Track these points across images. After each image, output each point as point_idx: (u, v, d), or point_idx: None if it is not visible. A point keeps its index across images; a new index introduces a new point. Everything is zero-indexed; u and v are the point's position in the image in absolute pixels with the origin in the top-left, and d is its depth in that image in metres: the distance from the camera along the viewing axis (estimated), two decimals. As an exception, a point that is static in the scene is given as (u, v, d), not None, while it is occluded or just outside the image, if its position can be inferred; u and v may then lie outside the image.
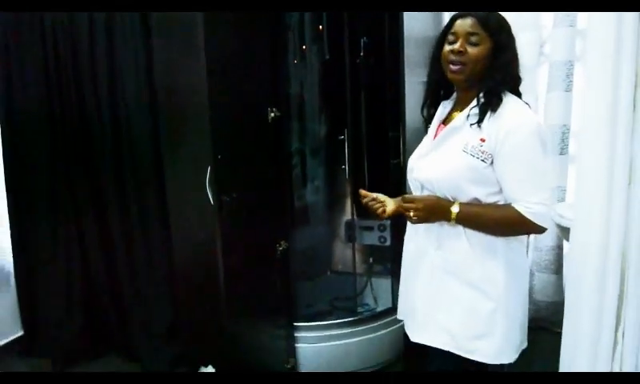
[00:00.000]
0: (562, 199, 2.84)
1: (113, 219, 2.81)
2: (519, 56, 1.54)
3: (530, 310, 2.86)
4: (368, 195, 1.69)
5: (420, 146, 1.69)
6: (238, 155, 2.27)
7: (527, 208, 1.46)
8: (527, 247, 3.04)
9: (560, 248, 2.92)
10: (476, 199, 1.53)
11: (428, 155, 1.61)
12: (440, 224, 1.57)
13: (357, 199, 2.97)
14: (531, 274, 2.99)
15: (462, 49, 1.49)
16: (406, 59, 2.44)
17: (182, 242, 2.52)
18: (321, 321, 2.73)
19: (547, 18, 2.80)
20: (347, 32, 2.70)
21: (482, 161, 1.48)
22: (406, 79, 2.46)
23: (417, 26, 2.50)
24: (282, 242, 2.50)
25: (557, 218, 2.49)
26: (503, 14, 1.56)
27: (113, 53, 2.69)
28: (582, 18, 2.72)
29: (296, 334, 2.63)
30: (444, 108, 1.66)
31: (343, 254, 3.23)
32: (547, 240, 2.91)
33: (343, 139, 2.78)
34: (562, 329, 2.83)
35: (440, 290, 1.61)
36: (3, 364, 2.82)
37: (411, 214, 1.54)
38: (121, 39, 2.66)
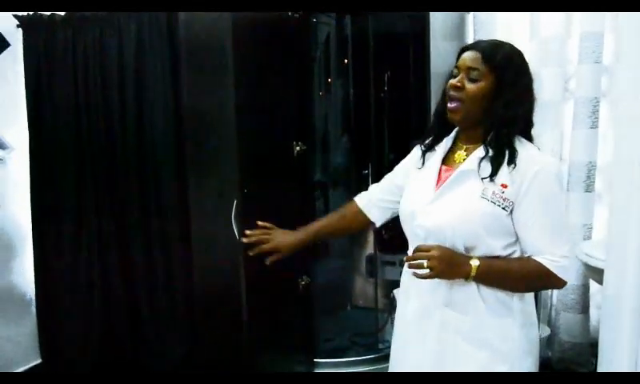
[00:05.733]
0: (589, 237, 2.79)
1: (135, 249, 2.82)
2: (535, 95, 1.40)
3: (554, 350, 2.86)
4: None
5: (417, 187, 1.49)
6: (263, 188, 2.26)
7: (554, 262, 1.33)
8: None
9: (586, 287, 2.86)
10: (491, 252, 1.36)
11: (438, 200, 1.41)
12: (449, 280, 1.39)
13: (379, 234, 3.00)
14: (556, 313, 2.92)
15: (458, 84, 1.36)
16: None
17: (204, 273, 2.50)
18: (341, 357, 2.69)
19: (572, 53, 2.79)
20: (372, 66, 2.71)
21: (503, 209, 1.33)
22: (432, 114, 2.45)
23: (441, 61, 2.50)
24: (304, 277, 2.47)
25: (583, 256, 2.43)
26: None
27: (141, 83, 2.74)
28: (608, 54, 2.72)
29: (316, 371, 2.59)
30: (446, 145, 1.48)
31: (364, 288, 3.19)
32: (572, 278, 2.84)
33: (367, 173, 2.78)
34: (588, 370, 2.77)
35: (449, 353, 1.42)
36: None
37: (425, 264, 1.32)
38: (151, 70, 2.72)
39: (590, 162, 2.75)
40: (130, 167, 2.79)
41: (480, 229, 1.34)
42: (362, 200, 1.68)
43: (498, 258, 1.37)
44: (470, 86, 1.35)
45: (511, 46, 1.40)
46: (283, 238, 1.63)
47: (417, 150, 1.56)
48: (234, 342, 2.35)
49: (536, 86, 1.41)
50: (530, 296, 1.47)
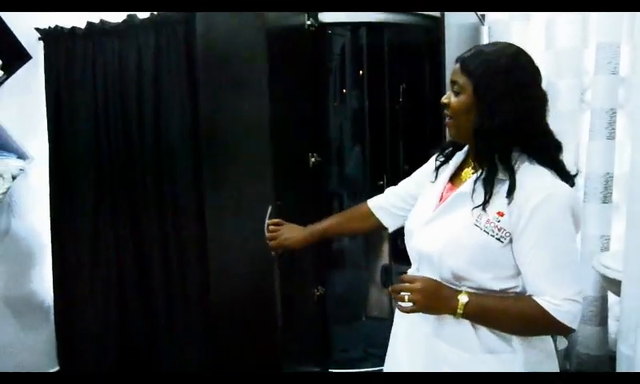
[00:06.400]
0: (606, 249, 2.77)
1: (154, 258, 2.84)
2: (529, 100, 1.22)
3: (572, 363, 2.83)
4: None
5: (421, 204, 1.42)
6: (280, 199, 2.26)
7: (554, 305, 1.16)
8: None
9: (604, 299, 2.82)
10: (483, 285, 1.23)
11: (432, 222, 1.31)
12: None
13: (394, 244, 3.00)
14: (573, 326, 2.89)
15: (445, 100, 1.27)
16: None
17: (220, 283, 2.50)
18: (355, 368, 2.68)
19: (589, 64, 2.78)
20: (387, 77, 2.72)
21: (498, 240, 1.20)
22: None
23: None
24: (319, 287, 2.47)
25: (601, 268, 2.44)
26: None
27: (159, 93, 2.78)
28: (625, 65, 2.70)
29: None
30: (456, 160, 1.39)
31: (380, 299, 3.18)
32: (589, 290, 2.81)
33: (382, 184, 2.78)
34: None
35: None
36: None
37: (406, 298, 1.21)
38: (169, 80, 2.76)
39: (608, 173, 2.73)
40: (148, 178, 2.81)
41: (469, 259, 1.22)
42: (375, 203, 1.62)
43: (492, 292, 1.23)
44: (453, 101, 1.26)
45: (500, 48, 1.26)
46: (290, 235, 1.64)
47: (433, 161, 1.46)
48: (249, 350, 2.35)
49: (540, 93, 1.25)
50: None
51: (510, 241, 1.20)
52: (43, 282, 2.97)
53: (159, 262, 2.83)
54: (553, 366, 1.33)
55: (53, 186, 2.90)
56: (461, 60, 1.26)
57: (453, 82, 1.26)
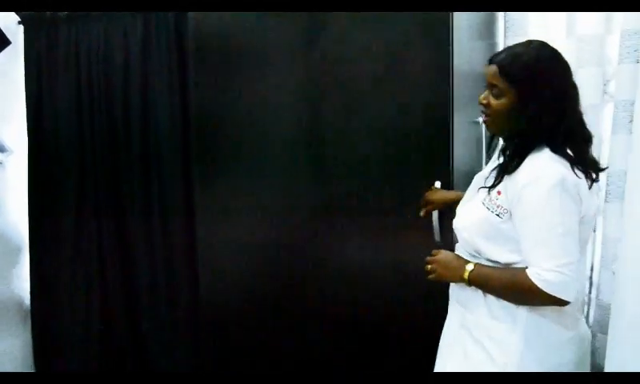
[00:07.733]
0: (628, 253, 2.57)
1: (138, 259, 2.74)
2: (567, 103, 1.39)
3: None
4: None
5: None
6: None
7: (538, 274, 1.32)
8: (588, 304, 2.76)
9: (624, 308, 2.63)
10: (494, 258, 1.44)
11: (464, 202, 1.57)
12: None
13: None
14: (592, 336, 2.70)
15: (484, 101, 1.43)
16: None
17: (211, 285, 2.39)
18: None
19: (612, 52, 2.58)
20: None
21: (497, 216, 1.40)
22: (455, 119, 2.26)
23: (466, 62, 2.32)
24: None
25: None
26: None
27: (147, 83, 2.68)
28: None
29: None
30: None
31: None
32: (609, 298, 2.62)
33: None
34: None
35: (456, 342, 1.55)
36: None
37: (428, 268, 1.52)
38: (157, 69, 2.66)
39: (631, 171, 2.54)
40: (133, 172, 2.71)
41: (477, 232, 1.45)
42: None
43: (500, 265, 1.43)
44: (494, 103, 1.41)
45: (535, 51, 1.39)
46: (440, 196, 1.83)
47: None
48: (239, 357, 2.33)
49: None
50: (556, 313, 1.42)
51: (511, 216, 1.38)
52: (22, 282, 2.84)
53: (145, 263, 2.73)
54: (567, 356, 1.46)
55: (32, 181, 2.79)
56: (498, 62, 1.39)
57: (491, 85, 1.40)
